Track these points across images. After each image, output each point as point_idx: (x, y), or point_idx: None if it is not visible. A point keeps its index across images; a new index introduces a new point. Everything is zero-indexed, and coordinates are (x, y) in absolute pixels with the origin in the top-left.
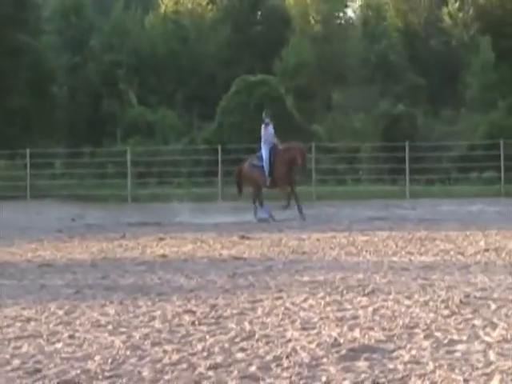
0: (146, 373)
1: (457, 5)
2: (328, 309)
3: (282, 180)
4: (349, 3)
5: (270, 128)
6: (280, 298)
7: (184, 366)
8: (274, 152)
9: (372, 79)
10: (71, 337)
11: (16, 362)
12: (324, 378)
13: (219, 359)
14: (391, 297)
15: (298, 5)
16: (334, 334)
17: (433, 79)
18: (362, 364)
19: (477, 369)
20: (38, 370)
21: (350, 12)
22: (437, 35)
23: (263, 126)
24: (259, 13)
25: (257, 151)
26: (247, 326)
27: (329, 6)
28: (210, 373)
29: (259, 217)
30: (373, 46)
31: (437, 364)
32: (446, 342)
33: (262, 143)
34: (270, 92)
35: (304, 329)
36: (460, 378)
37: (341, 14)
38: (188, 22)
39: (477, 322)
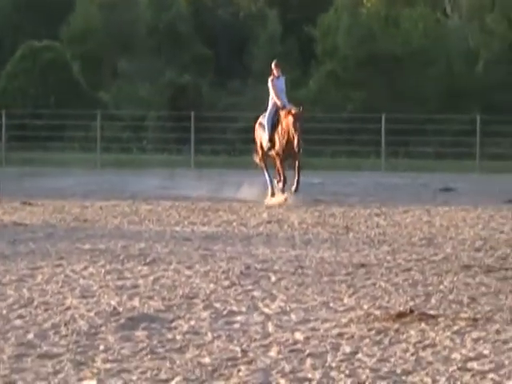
0: None
1: None
2: (108, 277)
3: (281, 148)
4: None
5: (281, 82)
6: (60, 265)
7: None
8: (279, 113)
9: (159, 48)
10: None
11: None
12: (102, 347)
13: None
14: (172, 266)
15: None
16: (114, 302)
17: (220, 50)
18: (140, 333)
19: (255, 340)
20: None
21: None
22: (225, 6)
23: (270, 78)
24: None
25: None
26: (26, 293)
27: None
28: None
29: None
30: (160, 15)
31: (215, 335)
32: (225, 312)
33: (270, 99)
34: (55, 58)
35: (83, 297)
36: (238, 348)
37: None
38: None
39: (256, 294)
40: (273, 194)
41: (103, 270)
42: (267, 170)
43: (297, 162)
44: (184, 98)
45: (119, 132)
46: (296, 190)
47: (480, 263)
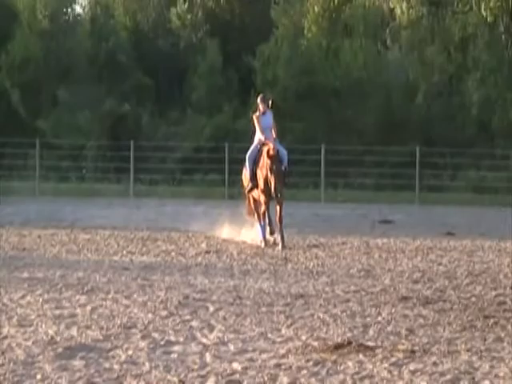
0: None
1: (186, 6)
2: (46, 306)
3: (263, 188)
4: None
5: (267, 118)
6: None
7: None
8: (262, 149)
9: (99, 77)
10: None
11: None
12: (39, 376)
13: None
14: (110, 296)
15: None
16: (51, 331)
17: (160, 80)
18: (77, 363)
19: (192, 370)
20: None
21: (78, 8)
22: (165, 36)
23: (255, 114)
24: None
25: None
26: None
27: (57, 2)
28: None
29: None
30: (101, 44)
31: (153, 364)
32: (162, 342)
33: (256, 136)
34: None
35: (21, 326)
36: (175, 379)
37: (69, 10)
38: None
39: (194, 324)
40: (266, 244)
41: (41, 299)
42: (260, 219)
43: (278, 209)
44: (124, 127)
45: (58, 161)
46: (283, 246)
47: (418, 295)
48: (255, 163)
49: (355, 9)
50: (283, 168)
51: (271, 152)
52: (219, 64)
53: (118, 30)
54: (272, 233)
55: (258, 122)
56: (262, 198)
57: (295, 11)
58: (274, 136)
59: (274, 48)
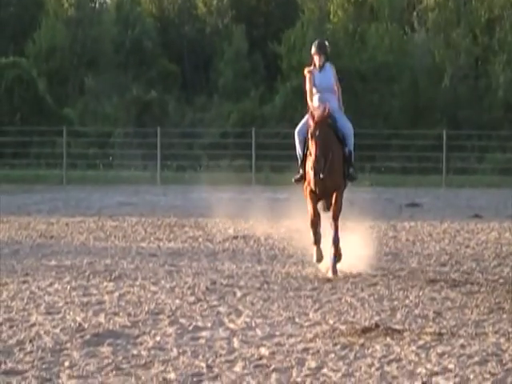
0: None
1: None
2: (73, 293)
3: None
4: None
5: (325, 74)
6: (26, 281)
7: None
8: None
9: (125, 64)
10: None
11: None
12: (67, 363)
13: None
14: (138, 282)
15: None
16: (79, 318)
17: (186, 66)
18: (105, 349)
19: (220, 355)
20: None
21: None
22: (191, 22)
23: (306, 69)
24: None
25: None
26: None
27: None
28: None
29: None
30: (127, 32)
31: (181, 350)
32: (190, 328)
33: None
34: (21, 75)
35: (49, 313)
36: (203, 364)
37: None
38: None
39: (222, 309)
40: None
41: (69, 287)
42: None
43: (332, 208)
44: (150, 114)
45: (85, 148)
46: (334, 271)
47: (445, 278)
48: (305, 142)
49: None
50: (346, 151)
51: (317, 113)
52: (245, 50)
53: (143, 16)
54: (318, 258)
55: (310, 80)
56: (312, 194)
57: None
58: (336, 102)
59: (299, 33)
